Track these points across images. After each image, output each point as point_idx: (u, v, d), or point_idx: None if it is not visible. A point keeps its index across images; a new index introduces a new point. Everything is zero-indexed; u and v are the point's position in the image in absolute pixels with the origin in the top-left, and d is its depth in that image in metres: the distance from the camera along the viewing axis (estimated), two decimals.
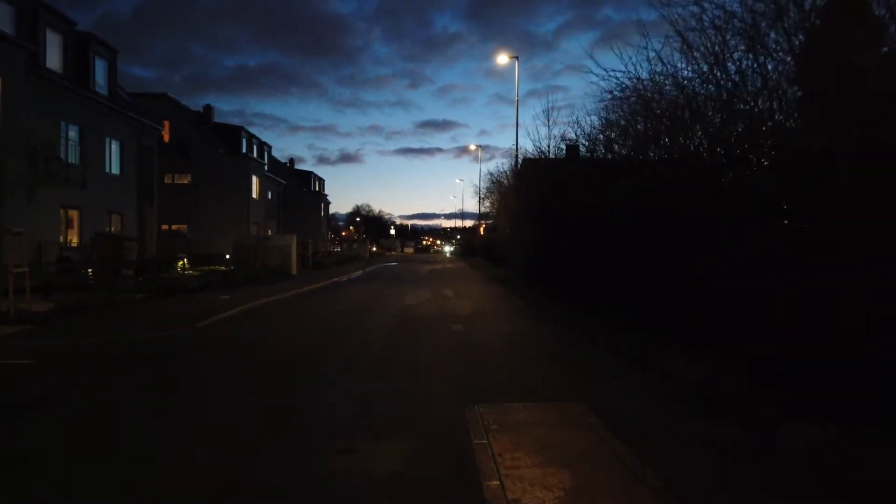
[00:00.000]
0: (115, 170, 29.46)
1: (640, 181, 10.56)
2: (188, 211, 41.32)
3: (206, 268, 31.56)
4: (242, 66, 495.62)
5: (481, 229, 63.19)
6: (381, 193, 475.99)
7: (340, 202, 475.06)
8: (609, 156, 14.07)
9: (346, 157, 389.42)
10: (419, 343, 10.18)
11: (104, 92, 28.10)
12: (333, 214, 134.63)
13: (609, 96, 10.63)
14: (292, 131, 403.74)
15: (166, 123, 42.32)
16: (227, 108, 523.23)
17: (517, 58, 28.73)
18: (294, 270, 32.11)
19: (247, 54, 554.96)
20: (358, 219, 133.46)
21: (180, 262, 32.30)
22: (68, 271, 18.42)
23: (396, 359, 8.76)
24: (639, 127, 11.24)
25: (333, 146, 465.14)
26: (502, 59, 29.13)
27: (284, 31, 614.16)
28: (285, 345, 10.10)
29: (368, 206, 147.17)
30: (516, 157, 28.15)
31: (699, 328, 7.90)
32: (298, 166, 76.86)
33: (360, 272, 36.45)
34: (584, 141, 15.77)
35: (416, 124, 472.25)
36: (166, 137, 42.40)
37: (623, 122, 11.92)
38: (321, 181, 78.52)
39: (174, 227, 42.40)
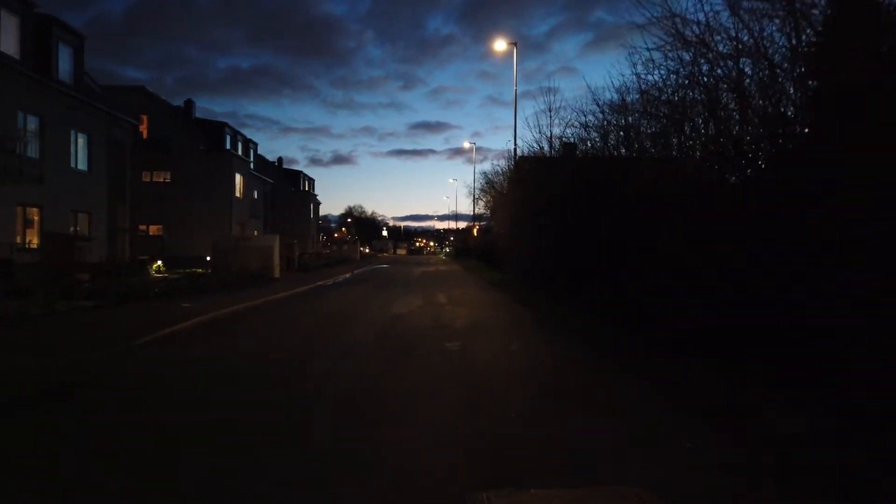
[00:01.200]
0: (82, 165, 27.22)
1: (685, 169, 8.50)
2: (167, 210, 39.08)
3: (183, 271, 29.41)
4: (235, 67, 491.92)
5: (475, 230, 61.16)
6: (374, 195, 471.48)
7: (333, 204, 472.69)
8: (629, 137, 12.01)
9: (339, 159, 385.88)
10: (405, 371, 8.04)
11: (69, 81, 25.87)
12: (326, 216, 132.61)
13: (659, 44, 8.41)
14: (285, 133, 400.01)
15: (144, 118, 40.15)
16: (219, 109, 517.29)
17: (515, 44, 26.79)
18: (276, 273, 29.94)
19: (239, 56, 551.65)
20: (349, 220, 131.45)
21: (155, 265, 30.16)
22: (8, 276, 16.21)
23: (371, 402, 6.47)
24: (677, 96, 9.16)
25: (326, 147, 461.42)
26: (500, 45, 27.13)
27: (277, 33, 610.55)
28: (228, 379, 7.69)
29: (361, 208, 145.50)
30: (514, 150, 26.14)
31: (795, 358, 5.79)
32: (292, 167, 74.53)
33: (348, 275, 34.33)
34: (596, 122, 13.72)
35: (409, 126, 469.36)
36: (145, 133, 40.20)
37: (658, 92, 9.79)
38: (311, 181, 76.24)
39: (152, 227, 40.20)
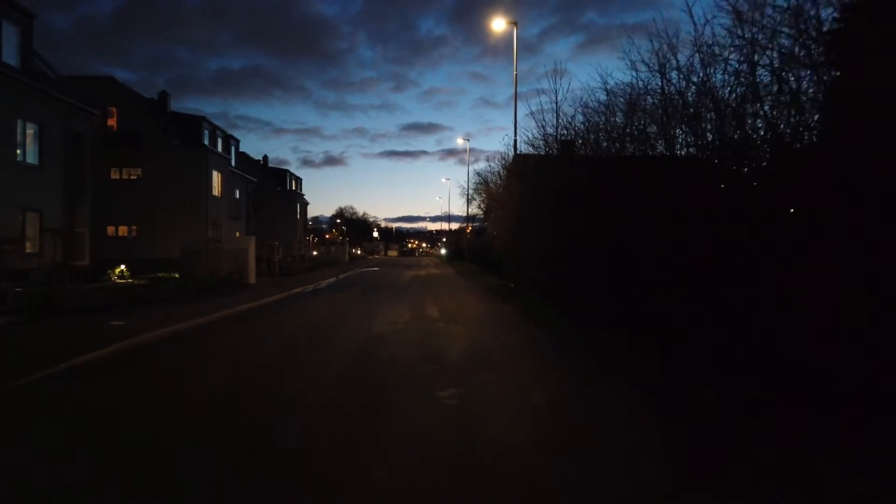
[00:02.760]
0: (32, 159, 24.33)
1: None
2: (137, 210, 36.14)
3: (150, 276, 26.54)
4: (226, 68, 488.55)
5: (468, 231, 58.47)
6: (366, 196, 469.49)
7: (325, 205, 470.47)
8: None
9: (331, 160, 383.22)
10: (372, 449, 5.24)
11: (15, 64, 22.98)
12: (317, 217, 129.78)
13: None
14: (276, 134, 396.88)
15: (113, 110, 37.29)
16: (210, 110, 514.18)
17: (515, 24, 24.10)
18: (251, 279, 27.15)
19: (230, 57, 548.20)
20: (340, 221, 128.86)
21: (118, 270, 27.26)
22: None
23: None
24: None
25: (318, 149, 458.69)
26: (499, 24, 24.41)
27: (268, 34, 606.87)
28: (107, 452, 5.03)
29: (352, 209, 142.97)
30: (515, 142, 23.47)
31: None
32: (283, 168, 71.24)
33: (332, 279, 31.55)
34: (628, 89, 11.02)
35: (400, 127, 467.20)
36: (114, 126, 37.29)
37: None
38: (298, 180, 73.21)
39: (121, 228, 37.28)
